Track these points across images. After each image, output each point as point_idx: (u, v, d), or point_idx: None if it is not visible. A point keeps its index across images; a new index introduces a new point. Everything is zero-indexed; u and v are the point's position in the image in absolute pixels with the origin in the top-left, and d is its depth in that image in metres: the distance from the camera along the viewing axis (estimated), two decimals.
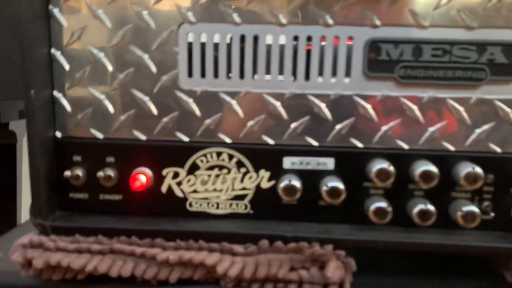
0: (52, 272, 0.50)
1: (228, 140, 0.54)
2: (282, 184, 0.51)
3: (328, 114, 0.52)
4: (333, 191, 0.51)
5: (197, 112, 0.53)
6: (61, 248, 0.50)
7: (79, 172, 0.54)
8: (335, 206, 0.54)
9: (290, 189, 0.51)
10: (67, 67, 0.53)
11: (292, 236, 0.51)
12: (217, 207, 0.55)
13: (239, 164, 0.54)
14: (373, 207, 0.51)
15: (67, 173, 0.53)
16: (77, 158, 0.55)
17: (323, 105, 0.52)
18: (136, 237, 0.51)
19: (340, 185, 0.51)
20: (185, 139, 0.54)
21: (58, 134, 0.54)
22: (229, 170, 0.54)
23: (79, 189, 0.55)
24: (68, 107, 0.54)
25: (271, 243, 0.50)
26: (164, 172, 0.54)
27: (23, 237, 0.51)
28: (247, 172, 0.54)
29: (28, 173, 0.52)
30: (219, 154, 0.54)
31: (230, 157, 0.54)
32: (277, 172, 0.53)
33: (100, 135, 0.54)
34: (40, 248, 0.50)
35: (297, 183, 0.51)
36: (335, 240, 0.51)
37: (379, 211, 0.51)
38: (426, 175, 0.50)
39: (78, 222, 0.53)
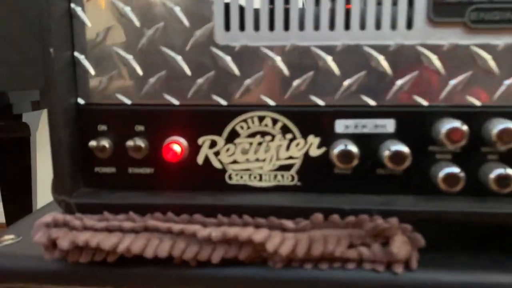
0: (79, 253, 0.45)
1: (271, 102, 0.48)
2: (337, 149, 0.45)
3: (387, 68, 0.46)
4: (397, 156, 0.44)
5: (236, 71, 0.47)
6: (89, 226, 0.45)
7: (105, 143, 0.49)
8: (395, 174, 0.47)
9: (346, 155, 0.45)
10: (88, 23, 0.48)
11: (350, 209, 0.45)
12: (260, 179, 0.49)
13: (285, 130, 0.48)
14: (442, 173, 0.44)
15: (92, 143, 0.48)
16: (102, 127, 0.49)
17: (381, 58, 0.46)
18: (172, 213, 0.46)
19: (405, 149, 0.44)
20: (223, 102, 0.48)
21: (81, 100, 0.49)
22: (273, 137, 0.48)
23: (105, 162, 0.50)
24: (91, 70, 0.49)
25: (326, 217, 0.45)
26: (200, 141, 0.49)
27: (45, 216, 0.46)
28: (294, 138, 0.48)
29: (43, 167, 0.47)
30: (261, 118, 0.48)
31: (274, 121, 0.48)
32: (328, 138, 0.47)
33: (127, 101, 0.49)
34: (65, 227, 0.45)
35: (353, 148, 0.45)
36: (400, 212, 0.44)
37: (450, 178, 0.44)
38: (506, 134, 0.43)
39: (106, 198, 0.48)
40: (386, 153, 0.45)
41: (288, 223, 0.44)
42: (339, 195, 0.47)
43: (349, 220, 0.44)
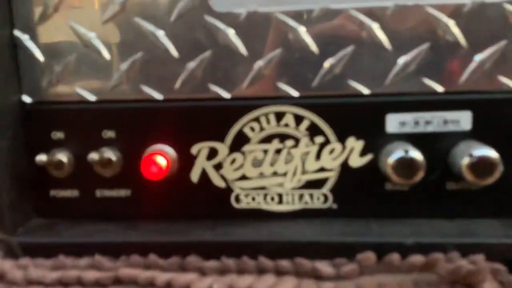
0: None
1: (293, 92, 0.34)
2: (393, 157, 0.32)
3: (460, 37, 0.33)
4: (482, 164, 0.31)
5: (242, 49, 0.34)
6: (35, 280, 0.31)
7: (63, 156, 0.35)
8: (474, 190, 0.34)
9: (407, 165, 0.31)
10: None
11: (414, 243, 0.31)
12: (280, 201, 0.36)
13: (313, 131, 0.34)
14: None
15: (41, 158, 0.35)
16: (58, 135, 0.36)
17: (451, 23, 0.33)
18: (156, 256, 0.33)
19: (492, 153, 0.31)
20: (225, 94, 0.35)
21: (27, 98, 0.36)
22: (297, 141, 0.35)
23: (64, 183, 0.36)
24: (39, 55, 0.36)
25: (380, 257, 0.31)
26: (194, 149, 0.35)
27: None
28: (327, 143, 0.35)
29: None
30: (280, 116, 0.35)
31: (298, 120, 0.34)
32: (376, 141, 0.34)
33: (91, 97, 0.36)
34: (1, 283, 0.32)
35: (417, 155, 0.32)
36: (487, 246, 0.31)
37: None
38: None
39: (63, 235, 0.35)
40: (465, 160, 0.31)
41: (325, 268, 0.31)
42: (395, 223, 0.34)
43: (415, 261, 0.30)
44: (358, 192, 0.35)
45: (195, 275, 0.31)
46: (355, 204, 0.35)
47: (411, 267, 0.30)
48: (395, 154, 0.31)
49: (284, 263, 0.31)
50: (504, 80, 0.32)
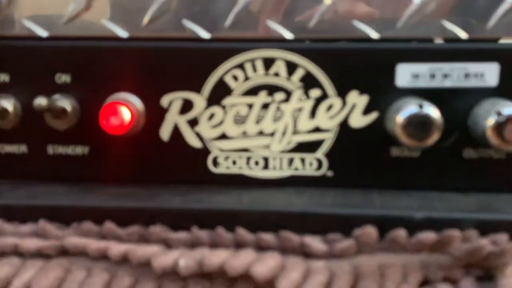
0: None
1: (286, 34, 0.30)
2: (404, 114, 0.27)
3: None
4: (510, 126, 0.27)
5: None
6: None
7: (7, 103, 0.31)
8: (497, 159, 0.30)
9: (421, 122, 0.27)
10: None
11: (424, 217, 0.27)
12: (265, 166, 0.31)
13: (309, 82, 0.29)
14: None
15: None
16: (1, 77, 0.32)
17: None
18: (114, 224, 0.28)
19: None
20: (204, 34, 0.30)
21: None
22: (289, 95, 0.30)
23: (8, 135, 0.32)
24: None
25: (382, 233, 0.27)
26: (164, 101, 0.31)
27: None
28: (324, 97, 0.30)
29: None
30: (269, 62, 0.30)
31: (291, 67, 0.30)
32: (383, 96, 0.29)
33: (42, 32, 0.31)
34: None
35: (434, 112, 0.27)
36: (508, 224, 0.27)
37: None
38: None
39: (5, 196, 0.30)
40: (491, 120, 0.27)
41: (316, 244, 0.27)
42: (402, 195, 0.30)
43: (424, 238, 0.26)
44: (358, 157, 0.30)
45: (159, 247, 0.27)
46: (354, 172, 0.30)
47: (419, 245, 0.26)
48: (407, 109, 0.27)
49: (267, 237, 0.27)
50: None
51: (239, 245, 0.27)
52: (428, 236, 0.26)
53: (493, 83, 0.29)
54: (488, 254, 0.25)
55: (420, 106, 0.26)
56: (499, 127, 0.26)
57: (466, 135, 0.29)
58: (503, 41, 0.28)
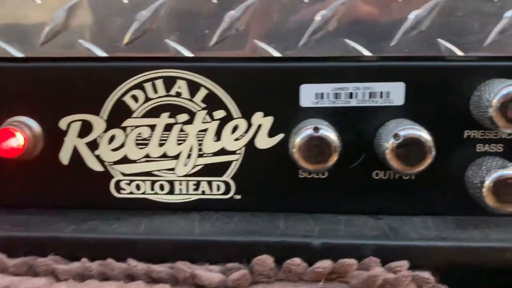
0: None
1: (186, 52, 0.30)
2: (300, 136, 0.28)
3: None
4: (412, 147, 0.26)
5: None
6: None
7: None
8: (405, 181, 0.30)
9: (315, 145, 0.27)
10: None
11: (321, 244, 0.27)
12: (171, 191, 0.31)
13: (212, 103, 0.29)
14: (493, 178, 0.27)
15: None
16: None
17: None
18: (3, 253, 0.28)
19: (423, 134, 0.27)
20: (100, 52, 0.30)
21: None
22: (192, 116, 0.30)
23: None
24: None
25: (279, 261, 0.27)
26: (62, 123, 0.30)
27: None
28: (229, 118, 0.30)
29: None
30: (170, 82, 0.30)
31: (193, 88, 0.30)
32: (289, 116, 0.29)
33: None
34: None
35: (330, 133, 0.27)
36: (411, 250, 0.27)
37: (507, 185, 0.27)
38: None
39: None
40: (390, 142, 0.27)
41: (207, 274, 0.26)
42: (307, 219, 0.29)
43: (321, 267, 0.26)
44: (266, 180, 0.30)
45: (46, 279, 0.27)
46: (262, 195, 0.30)
47: (316, 274, 0.26)
48: (302, 133, 0.27)
49: (158, 268, 0.26)
50: (444, 43, 0.28)
51: (129, 276, 0.27)
52: (323, 264, 0.26)
53: (399, 102, 0.29)
54: (384, 282, 0.25)
55: (316, 130, 0.26)
56: (397, 150, 0.26)
57: (374, 156, 0.29)
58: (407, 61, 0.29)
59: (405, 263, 0.26)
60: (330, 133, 0.27)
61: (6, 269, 0.27)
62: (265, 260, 0.26)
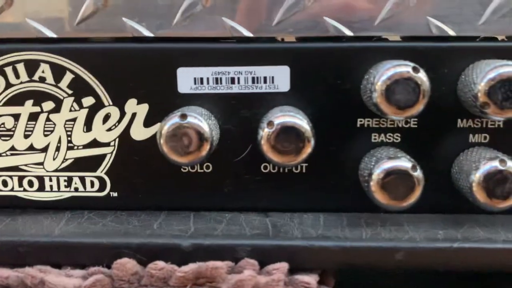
0: None
1: (48, 32, 0.26)
2: (167, 125, 0.25)
3: None
4: (289, 136, 0.24)
5: None
6: None
7: None
8: (295, 174, 0.27)
9: (182, 135, 0.24)
10: None
11: (191, 245, 0.24)
12: (41, 187, 0.28)
13: (79, 89, 0.26)
14: (384, 169, 0.24)
15: None
16: None
17: None
18: None
19: (303, 123, 0.24)
20: None
21: None
22: (59, 104, 0.27)
23: None
24: None
25: (144, 262, 0.24)
26: None
27: None
28: (100, 106, 0.27)
29: None
30: (33, 66, 0.26)
31: (58, 72, 0.26)
32: (166, 103, 0.26)
33: None
34: None
35: (204, 123, 0.24)
36: (291, 249, 0.24)
37: (399, 179, 0.24)
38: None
39: None
40: (266, 131, 0.24)
41: (61, 281, 0.24)
42: (186, 218, 0.26)
43: (183, 272, 0.24)
44: (144, 175, 0.27)
45: None
46: (140, 192, 0.27)
47: (180, 280, 0.24)
48: (169, 121, 0.24)
49: (5, 273, 0.24)
50: (334, 23, 0.26)
51: None
52: (186, 268, 0.23)
53: (285, 89, 0.26)
54: (255, 286, 0.23)
55: (182, 117, 0.24)
56: (270, 138, 0.24)
57: (259, 149, 0.26)
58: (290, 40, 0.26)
59: (283, 265, 0.24)
60: (199, 121, 0.24)
61: None
62: (125, 264, 0.23)
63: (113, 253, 0.24)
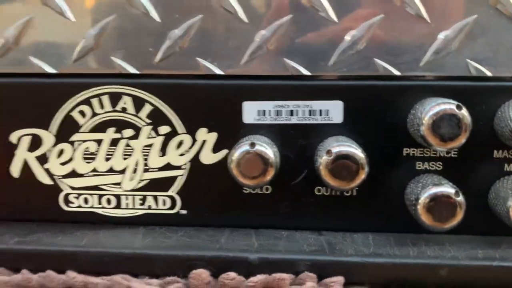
0: None
1: (131, 69, 0.31)
2: (238, 152, 0.28)
3: (328, 9, 0.29)
4: (345, 164, 0.27)
5: (69, 14, 0.30)
6: None
7: None
8: (346, 198, 0.31)
9: (252, 162, 0.27)
10: None
11: (258, 259, 0.28)
12: (118, 205, 0.32)
13: (157, 118, 0.30)
14: (430, 194, 0.27)
15: None
16: None
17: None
18: None
19: (357, 151, 0.28)
20: (48, 68, 0.31)
21: None
22: (138, 131, 0.31)
23: None
24: None
25: (215, 273, 0.27)
26: (13, 137, 0.31)
27: None
28: (174, 134, 0.31)
29: None
30: (116, 98, 0.31)
31: (139, 103, 0.30)
32: (233, 133, 0.30)
33: None
34: None
35: (267, 149, 0.28)
36: (348, 266, 0.28)
37: (443, 203, 0.27)
38: None
39: None
40: (324, 158, 0.27)
41: (141, 286, 0.27)
42: (249, 234, 0.30)
43: (253, 282, 0.27)
44: (211, 195, 0.31)
45: None
46: (207, 211, 0.31)
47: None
48: (239, 148, 0.28)
49: (95, 280, 0.27)
50: (383, 63, 0.29)
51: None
52: (256, 279, 0.27)
53: (339, 120, 0.30)
54: None
55: (252, 145, 0.27)
56: (329, 166, 0.27)
57: (316, 173, 0.30)
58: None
59: (340, 279, 0.27)
60: (266, 149, 0.27)
61: None
62: (201, 274, 0.27)
63: (188, 264, 0.28)
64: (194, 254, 0.28)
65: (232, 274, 0.27)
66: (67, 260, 0.28)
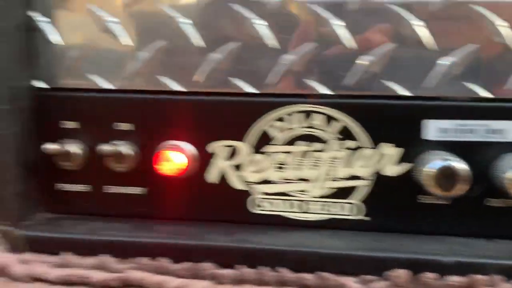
0: None
1: (324, 90, 0.35)
2: (433, 166, 0.31)
3: (509, 39, 0.33)
4: None
5: (273, 40, 0.35)
6: (38, 277, 0.32)
7: (73, 146, 0.36)
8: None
9: (449, 176, 0.31)
10: None
11: (453, 262, 0.31)
12: (306, 210, 0.36)
13: (344, 133, 0.34)
14: None
15: (48, 146, 0.35)
16: (70, 123, 0.37)
17: (501, 24, 0.32)
18: (168, 259, 0.33)
19: None
20: (250, 89, 0.35)
21: (40, 84, 0.37)
22: (326, 144, 0.35)
23: (73, 176, 0.37)
24: (56, 39, 0.36)
25: (414, 273, 0.31)
26: (212, 147, 0.36)
27: None
28: (359, 147, 0.35)
29: None
30: (307, 115, 0.35)
31: (329, 120, 0.35)
32: (414, 148, 0.34)
33: (107, 85, 0.37)
34: (3, 277, 0.32)
35: (461, 165, 0.31)
36: None
37: None
38: None
39: (69, 231, 0.35)
40: (510, 173, 0.31)
41: (352, 284, 0.31)
42: (429, 240, 0.33)
43: (454, 281, 0.30)
44: (392, 204, 0.35)
45: (209, 283, 0.31)
46: (388, 217, 0.35)
47: (447, 287, 0.30)
48: (435, 162, 0.31)
49: (308, 276, 0.31)
50: None
51: (281, 283, 0.31)
52: (457, 279, 0.30)
53: None
54: None
55: (447, 161, 0.31)
56: None
57: (491, 186, 0.33)
58: None
59: None
60: (460, 165, 0.31)
61: (172, 272, 0.32)
62: (402, 273, 0.30)
63: (386, 265, 0.31)
64: (392, 256, 0.31)
65: (430, 274, 0.30)
66: (275, 258, 0.32)
